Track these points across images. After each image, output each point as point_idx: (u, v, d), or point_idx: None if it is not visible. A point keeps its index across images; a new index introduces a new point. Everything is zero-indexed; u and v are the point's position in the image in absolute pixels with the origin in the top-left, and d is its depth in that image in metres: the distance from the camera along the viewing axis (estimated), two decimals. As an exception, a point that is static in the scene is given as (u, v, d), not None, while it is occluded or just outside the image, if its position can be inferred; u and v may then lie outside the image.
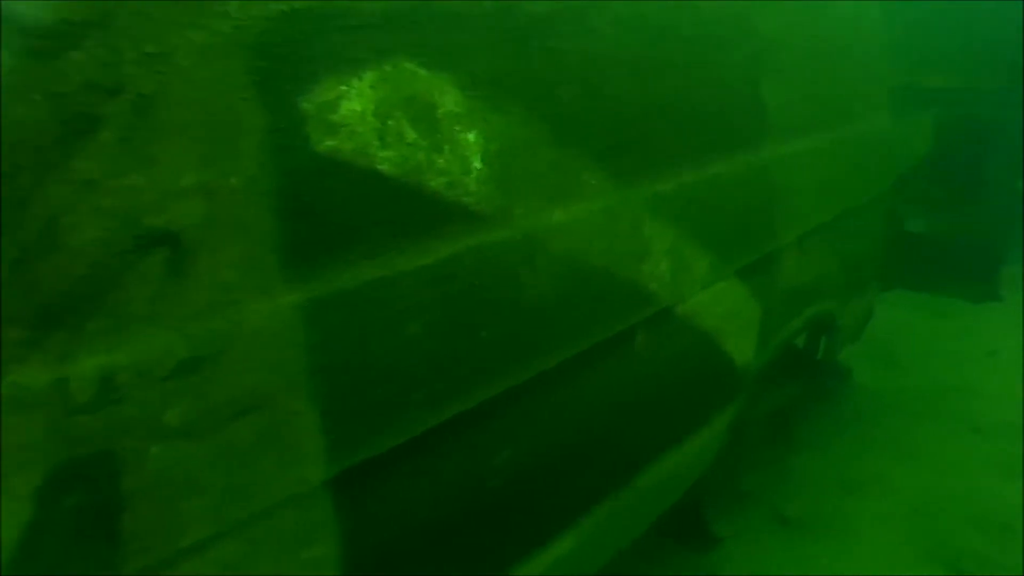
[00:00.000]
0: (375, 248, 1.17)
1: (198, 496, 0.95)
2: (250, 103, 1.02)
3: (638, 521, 2.26)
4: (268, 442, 1.03)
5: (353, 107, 1.15)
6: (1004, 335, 4.95)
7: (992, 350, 4.70)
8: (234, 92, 1.00)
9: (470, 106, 1.35)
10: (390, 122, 1.19)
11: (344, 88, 1.15)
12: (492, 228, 1.37)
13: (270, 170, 1.04)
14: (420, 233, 1.24)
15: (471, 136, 1.35)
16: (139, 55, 0.91)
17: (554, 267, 1.52)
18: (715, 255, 2.12)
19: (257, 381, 1.01)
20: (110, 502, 0.87)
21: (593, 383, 1.77)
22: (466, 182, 1.33)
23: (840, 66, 2.90)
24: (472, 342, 1.34)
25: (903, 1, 3.74)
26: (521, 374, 1.47)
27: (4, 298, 0.79)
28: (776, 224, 2.45)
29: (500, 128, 1.40)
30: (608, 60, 1.72)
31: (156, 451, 0.90)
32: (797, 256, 2.68)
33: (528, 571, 1.65)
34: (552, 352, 1.57)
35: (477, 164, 1.36)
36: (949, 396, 4.15)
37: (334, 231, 1.13)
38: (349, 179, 1.14)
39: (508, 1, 1.47)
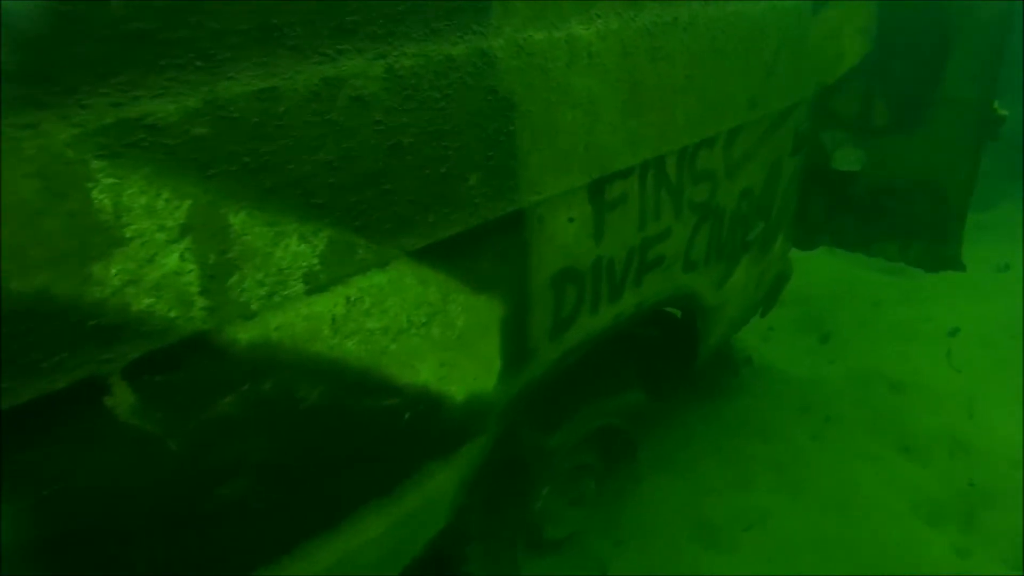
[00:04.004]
0: None
1: None
2: None
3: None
4: None
5: None
6: (969, 303, 3.86)
7: (953, 328, 3.63)
8: None
9: None
10: None
11: None
12: None
13: None
14: None
15: None
16: None
17: None
18: (344, 229, 1.13)
19: None
20: None
21: None
22: None
23: None
24: None
25: None
26: None
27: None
28: (516, 167, 1.40)
29: None
30: None
31: None
32: (589, 214, 1.63)
33: None
34: None
35: None
36: (881, 392, 3.10)
37: None
38: None
39: None
